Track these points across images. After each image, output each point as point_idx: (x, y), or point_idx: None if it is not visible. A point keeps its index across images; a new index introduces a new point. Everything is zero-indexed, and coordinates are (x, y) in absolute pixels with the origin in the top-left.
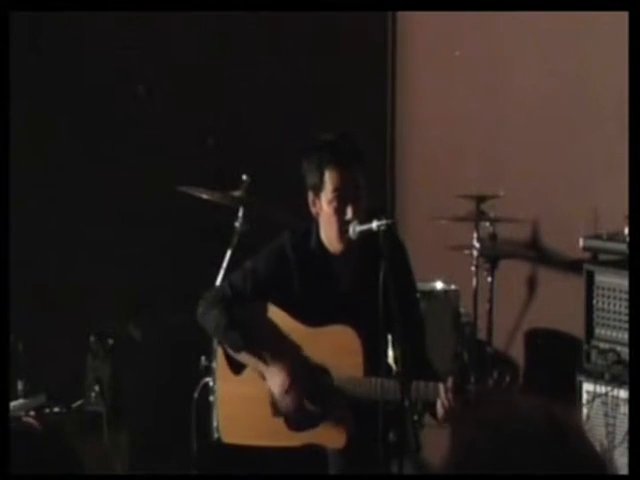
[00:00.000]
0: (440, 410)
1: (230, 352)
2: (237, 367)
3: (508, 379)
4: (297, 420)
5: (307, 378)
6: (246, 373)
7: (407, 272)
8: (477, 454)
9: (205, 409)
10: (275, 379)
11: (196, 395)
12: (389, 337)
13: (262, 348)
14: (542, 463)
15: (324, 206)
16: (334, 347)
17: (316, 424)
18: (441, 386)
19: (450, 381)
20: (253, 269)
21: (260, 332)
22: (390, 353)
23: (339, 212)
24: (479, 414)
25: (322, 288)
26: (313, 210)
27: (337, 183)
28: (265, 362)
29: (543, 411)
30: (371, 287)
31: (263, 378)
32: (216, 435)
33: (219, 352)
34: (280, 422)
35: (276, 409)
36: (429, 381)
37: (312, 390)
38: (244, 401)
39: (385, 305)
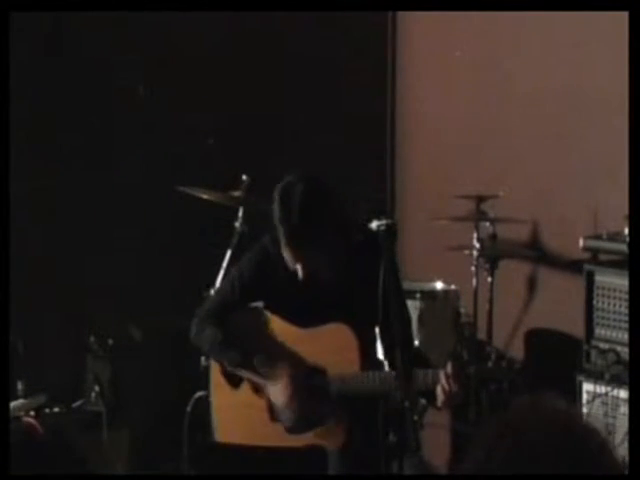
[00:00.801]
0: (441, 395)
1: (228, 368)
2: (235, 381)
3: (506, 360)
4: (296, 424)
5: (305, 382)
6: (243, 385)
7: (395, 266)
8: (496, 461)
9: (201, 417)
10: (276, 390)
11: (189, 409)
12: (377, 332)
13: (259, 362)
14: (561, 472)
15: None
16: (330, 346)
17: (315, 426)
18: (441, 372)
19: (450, 366)
20: (239, 275)
21: (255, 343)
22: (379, 348)
23: (291, 263)
24: (500, 421)
25: (309, 287)
26: None
27: (290, 260)
28: (264, 374)
29: (565, 419)
30: (359, 284)
31: (262, 389)
32: (215, 437)
33: (214, 365)
34: (279, 426)
35: (274, 414)
36: (425, 369)
37: (310, 393)
38: (241, 410)
39: (374, 302)
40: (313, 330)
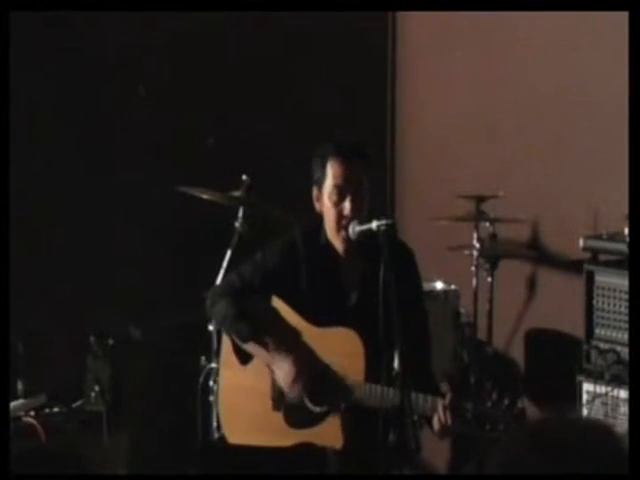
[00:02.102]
0: (436, 425)
1: (237, 342)
2: (244, 357)
3: (507, 402)
4: (296, 416)
5: (311, 374)
6: (251, 365)
7: (413, 278)
8: (527, 469)
9: (205, 408)
10: (283, 367)
11: (201, 379)
12: (393, 342)
13: (268, 338)
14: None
15: (325, 200)
16: (337, 349)
17: (315, 423)
18: (439, 401)
19: (448, 397)
20: (263, 260)
21: (267, 324)
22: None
23: (338, 205)
24: (533, 431)
25: (328, 287)
26: (317, 206)
27: (337, 176)
28: (272, 352)
29: (601, 430)
30: (376, 290)
31: (269, 369)
32: (217, 435)
33: (226, 340)
34: (279, 417)
35: (276, 403)
36: (428, 394)
37: (313, 388)
38: (246, 392)
39: (387, 309)
40: (322, 330)
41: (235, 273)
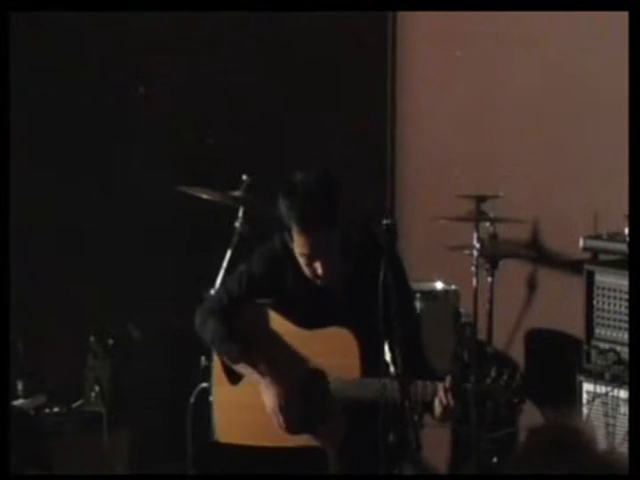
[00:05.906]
0: (438, 409)
1: (227, 362)
2: (234, 378)
3: (506, 377)
4: (294, 424)
5: (304, 383)
6: (243, 382)
7: (400, 270)
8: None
9: (205, 408)
10: (269, 394)
11: (192, 400)
12: (385, 337)
13: (259, 358)
14: None
15: (297, 252)
16: (331, 349)
17: (313, 428)
18: (439, 385)
19: (448, 380)
20: (247, 271)
21: (257, 341)
22: (387, 352)
23: (309, 266)
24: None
25: (315, 289)
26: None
27: (304, 245)
28: (261, 374)
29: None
30: (365, 287)
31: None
32: (216, 435)
33: (216, 360)
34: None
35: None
36: (427, 380)
37: (309, 395)
38: (241, 406)
39: (384, 305)
40: (315, 332)
41: (221, 288)
